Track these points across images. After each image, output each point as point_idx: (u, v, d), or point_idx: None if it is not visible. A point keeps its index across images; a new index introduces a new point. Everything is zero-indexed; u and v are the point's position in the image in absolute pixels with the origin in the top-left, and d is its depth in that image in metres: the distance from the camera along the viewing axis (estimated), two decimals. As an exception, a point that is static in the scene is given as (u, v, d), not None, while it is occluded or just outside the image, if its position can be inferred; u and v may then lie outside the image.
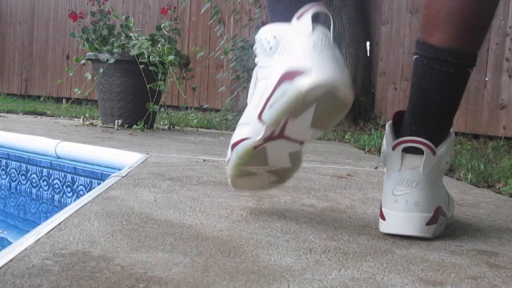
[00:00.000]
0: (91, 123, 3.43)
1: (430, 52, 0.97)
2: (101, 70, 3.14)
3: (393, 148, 0.96)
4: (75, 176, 2.02)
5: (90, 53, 3.21)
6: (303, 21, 0.87)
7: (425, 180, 0.95)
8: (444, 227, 0.99)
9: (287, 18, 0.90)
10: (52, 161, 2.12)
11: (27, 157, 2.23)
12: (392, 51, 4.40)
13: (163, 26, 3.22)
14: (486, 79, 3.80)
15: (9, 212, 2.20)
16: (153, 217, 0.95)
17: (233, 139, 1.02)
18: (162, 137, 2.75)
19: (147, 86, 3.04)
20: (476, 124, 3.84)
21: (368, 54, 4.81)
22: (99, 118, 3.53)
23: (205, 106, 5.02)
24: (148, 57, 3.04)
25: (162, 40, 3.16)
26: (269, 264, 0.73)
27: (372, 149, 2.86)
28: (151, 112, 3.15)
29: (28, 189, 2.21)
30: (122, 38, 3.25)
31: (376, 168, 2.05)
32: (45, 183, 2.15)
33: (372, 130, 3.92)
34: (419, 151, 0.95)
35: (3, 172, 2.33)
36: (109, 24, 3.29)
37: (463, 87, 0.99)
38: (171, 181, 1.37)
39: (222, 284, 0.64)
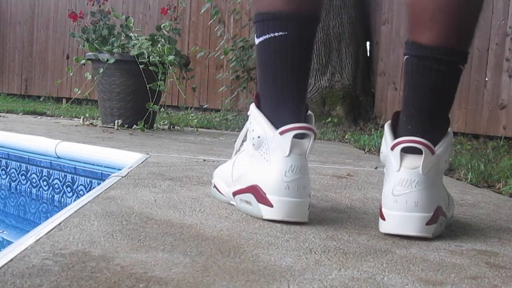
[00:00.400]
0: (91, 123, 3.43)
1: (420, 51, 0.97)
2: (101, 70, 3.14)
3: (392, 148, 0.97)
4: (75, 176, 2.02)
5: (90, 53, 3.21)
6: (284, 140, 0.98)
7: (424, 180, 0.95)
8: (444, 227, 0.99)
9: (275, 115, 1.01)
10: (52, 161, 2.12)
11: (27, 157, 2.23)
12: (392, 51, 4.40)
13: (163, 26, 3.22)
14: (486, 79, 3.80)
15: (9, 212, 2.20)
16: (153, 217, 0.95)
17: (216, 179, 1.19)
18: (162, 137, 2.75)
19: (147, 86, 3.04)
20: (476, 124, 3.84)
21: (368, 54, 4.82)
22: (99, 118, 3.53)
23: (205, 106, 5.02)
24: (148, 57, 3.04)
25: (162, 40, 3.16)
26: (269, 264, 0.73)
27: (372, 149, 2.86)
28: (151, 112, 3.15)
29: (28, 189, 2.21)
30: (122, 38, 3.25)
31: (376, 168, 2.05)
32: (45, 183, 2.15)
33: (372, 130, 3.92)
34: (418, 151, 0.95)
35: (3, 172, 2.33)
36: (109, 24, 3.29)
37: (455, 84, 1.00)
38: (171, 181, 1.37)
39: (222, 284, 0.64)
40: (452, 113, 3.91)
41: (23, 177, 2.24)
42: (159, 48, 3.08)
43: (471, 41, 1.02)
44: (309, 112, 1.06)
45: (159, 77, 3.04)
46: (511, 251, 0.91)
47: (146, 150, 2.04)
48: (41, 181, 2.16)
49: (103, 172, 1.90)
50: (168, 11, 3.45)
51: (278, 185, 0.97)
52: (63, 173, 2.07)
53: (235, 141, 1.18)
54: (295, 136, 0.98)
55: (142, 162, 1.67)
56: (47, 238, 0.75)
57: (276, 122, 1.00)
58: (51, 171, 2.12)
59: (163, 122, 3.62)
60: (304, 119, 1.04)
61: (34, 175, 2.20)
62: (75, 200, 1.71)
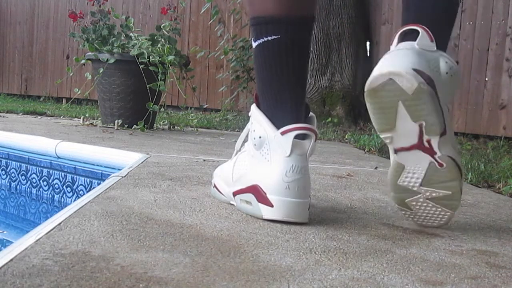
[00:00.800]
0: (91, 123, 3.43)
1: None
2: (101, 70, 3.14)
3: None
4: (75, 176, 2.02)
5: (90, 53, 3.21)
6: (285, 140, 0.99)
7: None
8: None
9: (275, 116, 1.02)
10: (52, 161, 2.12)
11: (27, 157, 2.23)
12: (392, 51, 4.39)
13: (163, 26, 3.22)
14: (486, 79, 3.80)
15: (9, 212, 2.20)
16: (153, 217, 0.95)
17: (216, 179, 1.19)
18: (162, 137, 2.75)
19: (147, 86, 3.04)
20: (476, 124, 3.84)
21: (368, 54, 4.82)
22: (99, 118, 3.53)
23: (205, 106, 5.03)
24: (148, 57, 3.04)
25: (162, 40, 3.16)
26: (269, 264, 0.73)
27: (372, 149, 2.86)
28: (151, 112, 3.15)
29: (28, 189, 2.21)
30: (122, 38, 3.25)
31: (376, 168, 2.05)
32: (45, 183, 2.15)
33: (372, 130, 3.92)
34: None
35: (3, 172, 2.33)
36: (109, 24, 3.29)
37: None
38: (171, 181, 1.37)
39: (222, 284, 0.64)
40: (452, 113, 3.91)
41: (23, 177, 2.25)
42: (159, 48, 3.08)
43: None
44: (311, 113, 1.07)
45: (159, 77, 3.04)
46: (511, 251, 0.91)
47: (146, 150, 2.04)
48: (41, 181, 2.16)
49: (103, 172, 1.90)
50: (168, 11, 3.45)
51: (279, 185, 0.98)
52: (63, 173, 2.07)
53: (235, 141, 1.18)
54: (296, 137, 0.98)
55: (142, 162, 1.67)
56: (47, 238, 0.75)
57: (277, 122, 1.01)
58: (51, 171, 2.12)
59: (163, 122, 3.62)
60: (306, 120, 1.05)
61: (34, 175, 2.20)
62: (75, 200, 1.71)
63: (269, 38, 1.02)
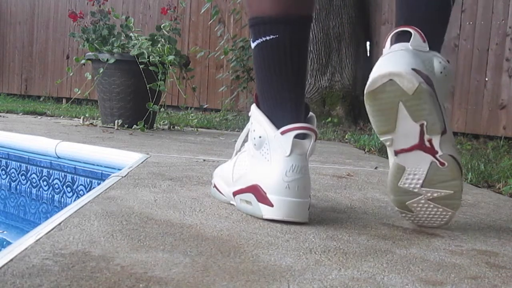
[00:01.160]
0: (91, 123, 3.43)
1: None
2: (101, 70, 3.14)
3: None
4: (75, 176, 2.02)
5: (90, 53, 3.21)
6: (285, 139, 0.99)
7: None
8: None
9: (275, 116, 1.02)
10: (52, 161, 2.12)
11: (27, 157, 2.23)
12: (392, 51, 4.39)
13: (163, 26, 3.22)
14: (486, 79, 3.80)
15: (9, 212, 2.20)
16: (153, 217, 0.95)
17: (216, 179, 1.18)
18: (162, 137, 2.75)
19: (147, 86, 3.04)
20: (476, 124, 3.84)
21: (368, 54, 4.82)
22: (99, 118, 3.53)
23: (205, 106, 5.02)
24: (148, 57, 3.04)
25: (162, 40, 3.16)
26: (269, 264, 0.73)
27: (372, 149, 2.86)
28: (151, 112, 3.15)
29: (28, 189, 2.21)
30: (122, 38, 3.25)
31: (376, 168, 2.05)
32: (45, 183, 2.15)
33: (372, 130, 3.92)
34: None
35: (3, 172, 2.33)
36: (109, 24, 3.29)
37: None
38: (171, 181, 1.37)
39: (222, 284, 0.64)
40: (452, 113, 3.92)
41: (23, 177, 2.24)
42: (159, 48, 3.08)
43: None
44: (311, 113, 1.07)
45: (159, 77, 3.04)
46: (511, 251, 0.91)
47: (146, 150, 2.04)
48: (41, 181, 2.16)
49: (103, 172, 1.90)
50: (168, 11, 3.45)
51: (279, 184, 0.98)
52: (63, 173, 2.07)
53: (235, 141, 1.18)
54: (296, 136, 0.98)
55: (142, 162, 1.67)
56: (47, 238, 0.75)
57: (277, 122, 1.01)
58: (51, 171, 2.12)
59: (163, 122, 3.62)
60: (306, 120, 1.05)
61: (34, 175, 2.20)
62: (75, 200, 1.71)
63: (268, 38, 1.02)
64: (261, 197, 0.99)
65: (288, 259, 0.76)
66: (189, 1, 5.67)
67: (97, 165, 1.95)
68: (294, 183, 0.98)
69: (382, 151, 2.73)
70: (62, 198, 2.06)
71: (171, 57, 3.04)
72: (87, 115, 4.10)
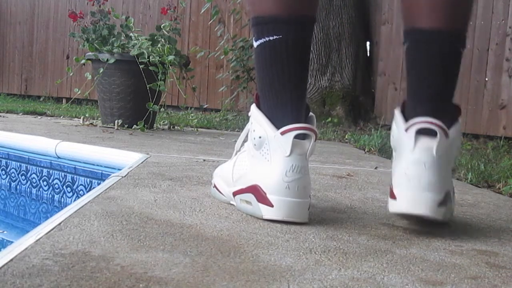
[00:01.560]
0: (91, 123, 3.43)
1: (421, 36, 1.00)
2: (101, 70, 3.14)
3: (407, 130, 0.97)
4: (75, 176, 2.02)
5: (90, 53, 3.21)
6: (285, 140, 0.98)
7: (437, 161, 0.96)
8: (449, 217, 1.00)
9: (275, 116, 1.01)
10: (52, 161, 2.12)
11: (27, 157, 2.23)
12: (392, 51, 4.40)
13: (163, 26, 3.22)
14: (486, 79, 3.80)
15: (9, 212, 2.20)
16: (153, 217, 0.95)
17: (216, 179, 1.19)
18: (162, 137, 2.75)
19: (147, 86, 3.04)
20: (476, 124, 3.84)
21: (368, 54, 4.82)
22: (99, 118, 3.53)
23: (205, 106, 5.02)
24: (148, 57, 3.04)
25: (162, 40, 3.16)
26: (269, 264, 0.73)
27: (372, 149, 2.86)
28: (151, 112, 3.15)
29: (28, 189, 2.21)
30: (122, 38, 3.25)
31: (376, 168, 2.05)
32: (45, 183, 2.15)
33: (372, 130, 3.92)
34: (431, 133, 0.96)
35: (3, 172, 2.33)
36: (109, 24, 3.29)
37: (457, 67, 1.02)
38: (171, 181, 1.37)
39: (222, 284, 0.64)
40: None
41: (23, 177, 2.24)
42: (159, 48, 3.08)
43: (468, 24, 1.03)
44: (311, 113, 1.06)
45: (159, 77, 3.04)
46: (511, 251, 0.91)
47: (146, 150, 2.04)
48: (41, 181, 2.16)
49: (103, 172, 1.90)
50: (168, 11, 3.45)
51: (279, 185, 0.98)
52: (63, 173, 2.07)
53: (235, 141, 1.18)
54: (296, 137, 0.98)
55: (142, 162, 1.67)
56: (47, 238, 0.75)
57: (277, 122, 1.01)
58: (51, 171, 2.12)
59: (163, 122, 3.62)
60: (306, 120, 1.04)
61: (34, 175, 2.20)
62: (75, 200, 1.71)
63: (271, 38, 1.01)
64: (261, 197, 0.99)
65: (288, 259, 0.76)
66: (189, 1, 5.67)
67: (97, 165, 1.95)
68: (294, 183, 0.97)
69: (382, 151, 2.73)
70: (62, 198, 2.06)
71: (171, 57, 3.04)
72: (87, 115, 4.10)
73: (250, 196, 1.02)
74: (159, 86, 3.03)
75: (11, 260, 0.65)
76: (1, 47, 7.65)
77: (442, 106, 1.00)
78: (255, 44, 1.05)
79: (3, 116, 3.88)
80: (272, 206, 0.98)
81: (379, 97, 4.54)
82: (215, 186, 1.19)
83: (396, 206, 0.96)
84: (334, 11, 4.65)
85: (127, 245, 0.76)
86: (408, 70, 1.03)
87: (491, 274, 0.77)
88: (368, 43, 4.80)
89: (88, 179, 1.97)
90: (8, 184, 2.31)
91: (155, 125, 3.37)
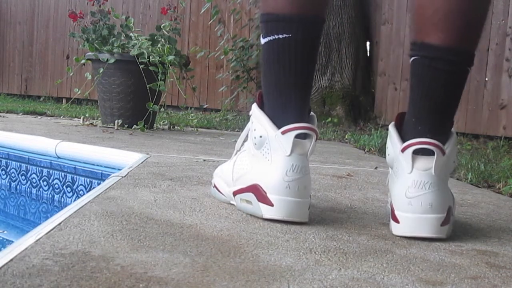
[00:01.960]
0: (91, 123, 3.43)
1: (430, 52, 0.97)
2: (101, 70, 3.14)
3: (403, 151, 0.96)
4: (75, 176, 2.02)
5: (90, 53, 3.21)
6: (286, 139, 0.98)
7: (436, 181, 0.95)
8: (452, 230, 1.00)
9: (277, 115, 1.01)
10: (52, 161, 2.12)
11: (27, 157, 2.23)
12: (392, 51, 4.40)
13: (163, 26, 3.22)
14: (486, 79, 3.80)
15: (9, 212, 2.20)
16: (153, 217, 0.95)
17: (216, 179, 1.18)
18: (162, 137, 2.75)
19: (147, 86, 3.04)
20: (476, 124, 3.84)
21: (368, 54, 4.82)
22: (99, 118, 3.53)
23: (205, 106, 5.02)
24: (148, 57, 3.04)
25: (162, 40, 3.16)
26: (269, 264, 0.73)
27: (372, 149, 2.86)
28: (151, 112, 3.15)
29: (28, 189, 2.21)
30: (122, 38, 3.25)
31: (376, 168, 2.05)
32: (45, 183, 2.15)
33: (372, 130, 3.92)
34: (428, 152, 0.95)
35: (3, 172, 2.33)
36: (109, 24, 3.29)
37: (463, 85, 1.01)
38: (171, 181, 1.37)
39: (222, 284, 0.64)
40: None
41: (23, 177, 2.24)
42: (159, 48, 3.08)
43: (478, 43, 1.02)
44: (312, 113, 1.06)
45: (159, 77, 3.04)
46: (511, 251, 0.91)
47: (146, 150, 2.04)
48: (41, 181, 2.16)
49: (103, 172, 1.90)
50: (168, 11, 3.45)
51: (279, 184, 0.97)
52: (63, 173, 2.07)
53: (235, 141, 1.18)
54: (297, 136, 0.98)
55: (142, 162, 1.67)
56: (47, 238, 0.75)
57: (278, 122, 1.00)
58: (51, 171, 2.12)
59: (163, 122, 3.62)
60: (307, 120, 1.04)
61: (34, 175, 2.20)
62: (75, 200, 1.71)
63: (280, 36, 1.01)
64: (261, 196, 0.99)
65: (288, 259, 0.76)
66: (189, 1, 5.67)
67: (97, 165, 1.95)
68: (295, 183, 0.97)
69: (382, 151, 2.73)
70: (62, 198, 2.06)
71: (171, 57, 3.04)
72: (87, 115, 4.10)
73: (250, 196, 1.02)
74: (159, 86, 3.03)
75: (11, 260, 0.65)
76: (1, 47, 7.65)
77: (443, 125, 1.00)
78: (263, 41, 1.04)
79: (3, 116, 3.88)
80: (272, 205, 0.98)
81: (379, 97, 4.54)
82: (215, 186, 1.18)
83: (399, 230, 0.96)
84: (334, 11, 4.65)
85: (127, 245, 0.76)
86: (413, 85, 1.02)
87: (491, 274, 0.77)
88: (368, 43, 4.80)
89: (88, 179, 1.97)
90: (8, 184, 2.31)
91: (155, 125, 3.37)
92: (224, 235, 0.87)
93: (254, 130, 1.04)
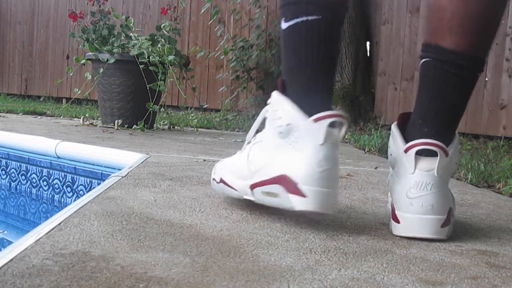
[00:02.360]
0: (91, 123, 3.43)
1: (445, 56, 0.97)
2: (101, 70, 3.14)
3: (406, 151, 0.96)
4: (75, 176, 2.02)
5: (90, 53, 3.21)
6: (318, 127, 0.92)
7: (438, 182, 0.95)
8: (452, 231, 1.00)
9: (304, 103, 0.94)
10: (52, 161, 2.12)
11: (27, 157, 2.23)
12: (392, 51, 4.40)
13: (163, 26, 3.22)
14: (486, 79, 3.80)
15: (9, 212, 2.20)
16: (153, 217, 0.95)
17: (223, 174, 1.11)
18: (162, 137, 2.75)
19: (147, 86, 3.04)
20: (476, 124, 3.84)
21: (368, 54, 4.81)
22: (99, 118, 3.53)
23: (205, 106, 5.02)
24: (148, 57, 3.04)
25: (162, 40, 3.16)
26: (269, 264, 0.73)
27: (372, 149, 2.86)
28: (151, 112, 3.15)
29: (28, 189, 2.21)
30: (122, 38, 3.25)
31: (376, 168, 2.05)
32: (45, 183, 2.15)
33: (372, 130, 3.92)
34: (431, 153, 0.95)
35: (3, 172, 2.33)
36: (109, 24, 3.29)
37: (472, 90, 1.01)
38: (171, 181, 1.37)
39: (222, 284, 0.64)
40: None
41: (23, 177, 2.24)
42: (159, 48, 3.08)
43: (490, 50, 1.03)
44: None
45: (159, 77, 3.04)
46: (511, 251, 0.91)
47: (146, 150, 2.04)
48: (41, 181, 2.16)
49: (103, 172, 1.90)
50: (168, 11, 3.45)
51: (313, 174, 0.92)
52: (63, 173, 2.07)
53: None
54: (329, 125, 0.93)
55: (142, 162, 1.67)
56: (47, 238, 0.75)
57: (306, 109, 0.94)
58: (51, 171, 2.12)
59: (163, 122, 3.63)
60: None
61: (34, 175, 2.20)
62: (75, 200, 1.71)
63: (309, 18, 0.95)
64: (291, 187, 0.92)
65: (288, 259, 0.76)
66: (189, 1, 5.67)
67: (97, 165, 1.95)
68: (328, 173, 0.92)
69: (382, 151, 2.73)
70: (62, 198, 2.06)
71: (171, 57, 3.04)
72: (87, 115, 4.10)
73: (276, 187, 0.95)
74: (159, 86, 3.03)
75: (11, 260, 0.65)
76: (1, 47, 7.65)
77: (448, 127, 1.00)
78: (287, 24, 0.98)
79: (3, 116, 3.88)
80: (305, 196, 0.92)
81: (379, 97, 4.54)
82: (222, 181, 1.11)
83: (400, 230, 0.96)
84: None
85: (127, 245, 0.76)
86: (422, 87, 1.01)
87: (491, 274, 0.77)
88: (368, 43, 4.80)
89: (88, 179, 1.97)
90: (8, 184, 2.31)
91: (155, 125, 3.37)
92: (224, 235, 0.87)
93: (280, 118, 0.97)
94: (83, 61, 3.32)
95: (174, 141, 2.58)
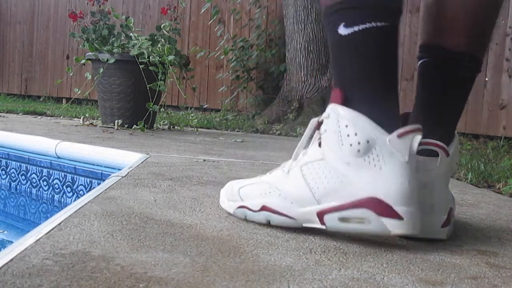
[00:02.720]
0: (91, 123, 3.43)
1: (444, 56, 0.97)
2: (101, 70, 3.14)
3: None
4: (75, 176, 2.02)
5: (90, 53, 3.21)
6: (403, 143, 0.86)
7: (439, 182, 0.94)
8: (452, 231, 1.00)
9: (381, 118, 0.88)
10: (52, 161, 2.12)
11: (27, 157, 2.23)
12: (392, 51, 4.40)
13: (163, 26, 3.22)
14: (486, 79, 3.80)
15: (9, 212, 2.20)
16: (153, 217, 0.95)
17: (270, 201, 0.96)
18: (162, 137, 2.75)
19: (147, 86, 3.04)
20: (476, 124, 3.84)
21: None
22: (99, 118, 3.53)
23: (205, 106, 5.03)
24: (148, 57, 3.04)
25: (162, 40, 3.16)
26: (269, 264, 0.73)
27: (372, 149, 2.86)
28: (151, 112, 3.15)
29: (28, 189, 2.21)
30: (122, 38, 3.25)
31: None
32: (45, 183, 2.15)
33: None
34: (432, 153, 0.94)
35: (3, 172, 2.33)
36: (109, 24, 3.29)
37: (470, 90, 1.02)
38: (171, 181, 1.37)
39: (222, 284, 0.64)
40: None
41: (23, 177, 2.24)
42: (159, 48, 3.08)
43: (486, 50, 1.04)
44: None
45: (159, 77, 3.04)
46: (511, 251, 0.91)
47: (146, 150, 2.04)
48: (41, 181, 2.16)
49: (103, 172, 1.90)
50: (168, 11, 3.45)
51: (404, 194, 0.85)
52: (63, 173, 2.07)
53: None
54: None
55: (142, 162, 1.67)
56: (47, 238, 0.75)
57: (384, 125, 0.87)
58: (51, 171, 2.12)
59: (163, 122, 3.63)
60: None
61: (34, 175, 2.20)
62: (75, 200, 1.71)
63: (379, 24, 0.88)
64: (385, 210, 0.85)
65: (288, 259, 0.76)
66: (189, 1, 5.68)
67: (97, 165, 1.95)
68: (416, 192, 0.87)
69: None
70: (62, 198, 2.06)
71: (171, 57, 3.04)
72: (87, 115, 4.10)
73: (362, 212, 0.86)
74: (159, 86, 3.03)
75: (11, 260, 0.65)
76: (1, 47, 7.65)
77: (449, 127, 1.00)
78: (349, 30, 0.89)
79: (3, 116, 3.88)
80: (402, 219, 0.85)
81: (379, 97, 4.54)
82: (266, 209, 0.97)
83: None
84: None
85: (127, 245, 0.76)
86: (423, 87, 0.99)
87: (491, 274, 0.77)
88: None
89: (88, 179, 1.97)
90: (8, 184, 2.31)
91: (155, 125, 3.37)
92: (224, 235, 0.87)
93: (355, 134, 0.88)
94: (83, 61, 3.32)
95: (174, 141, 2.58)
